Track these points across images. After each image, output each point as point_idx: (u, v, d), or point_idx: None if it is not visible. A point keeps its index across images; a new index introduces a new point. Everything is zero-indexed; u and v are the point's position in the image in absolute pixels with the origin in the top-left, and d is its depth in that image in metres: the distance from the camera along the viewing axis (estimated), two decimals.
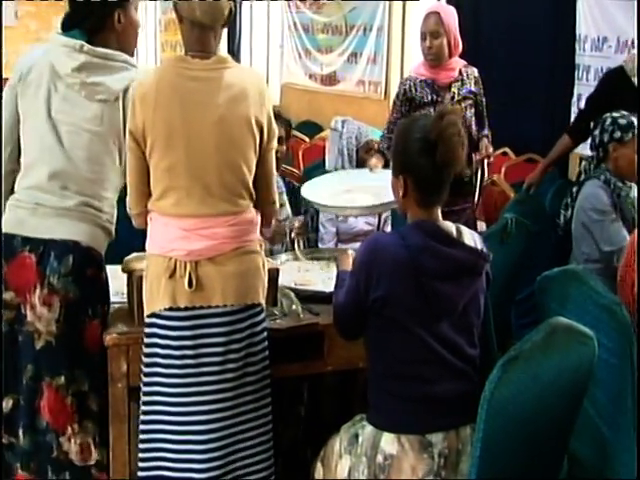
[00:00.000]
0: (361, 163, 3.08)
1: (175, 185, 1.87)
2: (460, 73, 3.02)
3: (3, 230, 2.03)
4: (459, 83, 3.00)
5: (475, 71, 3.10)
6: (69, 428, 2.03)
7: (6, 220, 2.05)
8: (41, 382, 2.01)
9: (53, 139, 2.01)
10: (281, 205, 2.78)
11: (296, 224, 2.62)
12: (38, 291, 1.98)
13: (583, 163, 2.88)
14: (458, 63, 3.02)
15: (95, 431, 2.06)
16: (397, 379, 1.73)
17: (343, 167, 3.10)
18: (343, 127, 3.14)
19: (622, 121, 2.74)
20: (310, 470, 1.94)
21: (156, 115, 1.84)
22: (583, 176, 2.86)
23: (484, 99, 3.13)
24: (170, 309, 1.88)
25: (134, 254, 2.11)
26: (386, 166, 2.82)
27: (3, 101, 2.07)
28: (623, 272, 2.14)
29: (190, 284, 1.86)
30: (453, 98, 2.97)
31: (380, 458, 1.71)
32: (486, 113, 3.16)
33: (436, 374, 1.71)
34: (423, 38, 2.96)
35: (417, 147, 1.71)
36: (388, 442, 1.71)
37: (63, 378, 2.01)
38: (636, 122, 2.73)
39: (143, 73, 1.97)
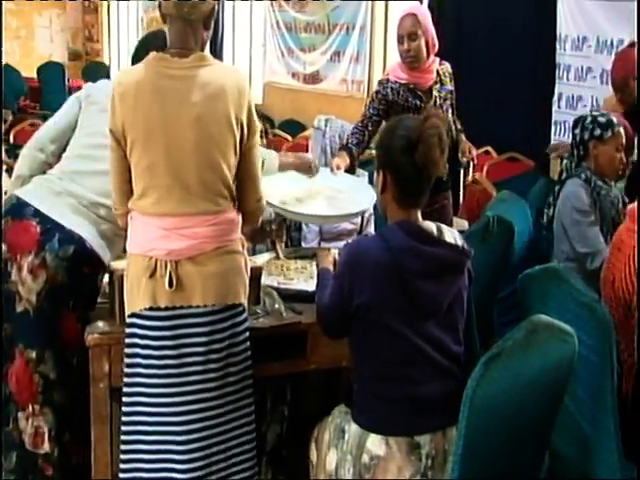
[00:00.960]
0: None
1: (155, 184, 1.86)
2: (437, 74, 3.02)
3: (19, 195, 2.12)
4: (438, 85, 3.01)
5: (448, 67, 3.10)
6: (30, 407, 2.06)
7: (27, 189, 2.14)
8: (15, 347, 2.06)
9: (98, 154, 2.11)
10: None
11: (274, 226, 2.61)
12: (31, 257, 2.03)
13: (564, 162, 2.90)
14: (435, 63, 3.02)
15: (53, 424, 2.08)
16: (384, 381, 1.73)
17: (326, 166, 3.09)
18: (327, 126, 3.13)
19: (602, 119, 2.77)
20: (294, 466, 1.93)
21: (136, 114, 1.83)
22: (564, 174, 2.89)
23: (454, 93, 3.15)
24: (150, 309, 1.87)
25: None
26: (352, 167, 2.80)
27: (66, 106, 2.29)
28: (605, 269, 2.16)
29: (170, 284, 1.85)
30: (435, 103, 2.98)
31: (366, 458, 1.71)
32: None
33: (423, 375, 1.72)
34: (400, 41, 2.95)
35: (399, 145, 1.72)
36: (375, 443, 1.71)
37: (34, 353, 2.05)
38: (615, 120, 2.77)
39: (122, 72, 1.96)
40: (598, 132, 2.75)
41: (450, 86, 3.06)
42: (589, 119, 2.79)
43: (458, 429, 1.53)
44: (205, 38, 1.91)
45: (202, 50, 1.91)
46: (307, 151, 4.93)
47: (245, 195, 1.96)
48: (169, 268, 1.85)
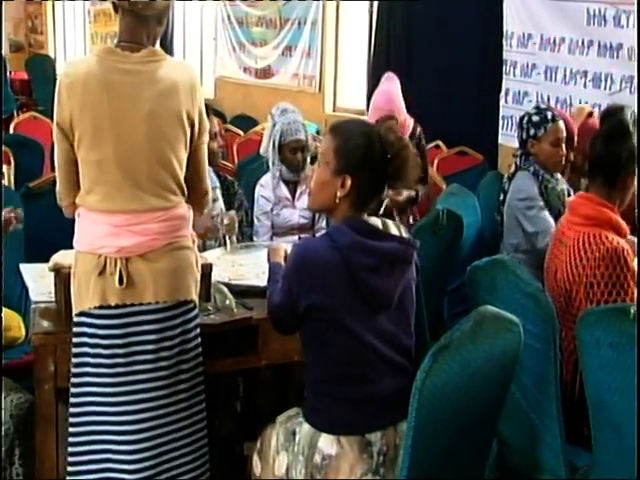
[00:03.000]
0: (285, 161, 2.98)
1: (104, 180, 1.83)
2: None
3: None
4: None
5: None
6: None
7: None
8: None
9: None
10: (214, 200, 2.75)
11: (225, 221, 2.60)
12: None
13: (515, 159, 2.97)
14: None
15: None
16: (337, 382, 1.73)
17: (272, 160, 3.04)
18: (281, 116, 2.98)
19: (535, 118, 2.85)
20: (247, 464, 1.93)
21: (84, 107, 1.80)
22: (513, 169, 2.96)
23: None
24: (100, 307, 1.84)
25: (61, 251, 2.06)
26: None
27: None
28: (548, 260, 2.22)
29: (121, 281, 1.83)
30: None
31: (318, 458, 1.71)
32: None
33: (376, 373, 1.72)
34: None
35: (374, 156, 1.72)
36: (327, 443, 1.71)
37: None
38: (549, 116, 2.84)
39: (70, 63, 1.92)
40: (532, 131, 2.85)
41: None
42: (525, 118, 2.89)
43: (408, 420, 1.55)
44: (157, 33, 1.89)
45: (153, 45, 1.88)
46: (259, 146, 4.92)
47: (192, 190, 1.95)
48: (119, 265, 1.83)
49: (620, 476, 1.70)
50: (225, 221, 2.59)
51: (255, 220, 3.05)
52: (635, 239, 2.41)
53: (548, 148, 2.83)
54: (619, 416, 1.68)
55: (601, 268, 1.95)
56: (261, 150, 3.04)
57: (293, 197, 3.05)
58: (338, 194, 1.73)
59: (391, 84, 3.31)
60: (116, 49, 1.84)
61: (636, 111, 2.91)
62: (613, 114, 2.09)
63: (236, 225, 2.64)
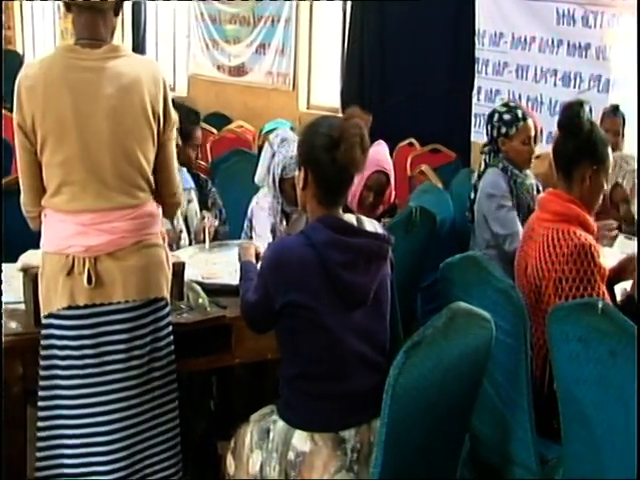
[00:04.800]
0: (285, 194, 2.73)
1: (70, 180, 1.80)
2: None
3: None
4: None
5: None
6: None
7: None
8: None
9: None
10: (189, 201, 2.73)
11: (206, 224, 2.59)
12: None
13: (484, 155, 3.00)
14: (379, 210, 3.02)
15: None
16: (312, 378, 1.73)
17: (273, 193, 2.85)
18: (280, 147, 2.74)
19: (506, 116, 2.89)
20: (221, 463, 1.92)
21: (46, 108, 1.77)
22: (483, 166, 2.99)
23: None
24: (69, 308, 1.82)
25: (30, 251, 2.02)
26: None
27: None
28: (518, 257, 2.24)
29: (89, 281, 1.81)
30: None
31: (291, 455, 1.71)
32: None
33: (351, 370, 1.73)
34: (367, 189, 2.92)
35: (321, 142, 1.71)
36: (300, 440, 1.71)
37: None
38: (520, 115, 2.88)
39: (29, 65, 1.88)
40: (504, 130, 2.89)
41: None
42: (496, 117, 2.92)
43: (381, 417, 1.55)
44: (115, 24, 1.86)
45: (112, 36, 1.86)
46: (232, 144, 4.87)
47: (161, 188, 1.93)
48: (87, 265, 1.81)
49: (589, 467, 1.73)
50: (207, 223, 2.59)
51: (257, 237, 2.90)
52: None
53: (519, 146, 2.88)
54: (588, 409, 1.71)
55: (569, 264, 1.98)
56: (256, 179, 2.90)
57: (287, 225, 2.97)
58: (300, 186, 1.77)
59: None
60: (76, 47, 1.81)
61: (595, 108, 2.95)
62: (570, 109, 2.12)
63: (213, 229, 2.64)
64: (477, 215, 2.93)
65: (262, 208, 2.79)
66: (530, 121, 2.91)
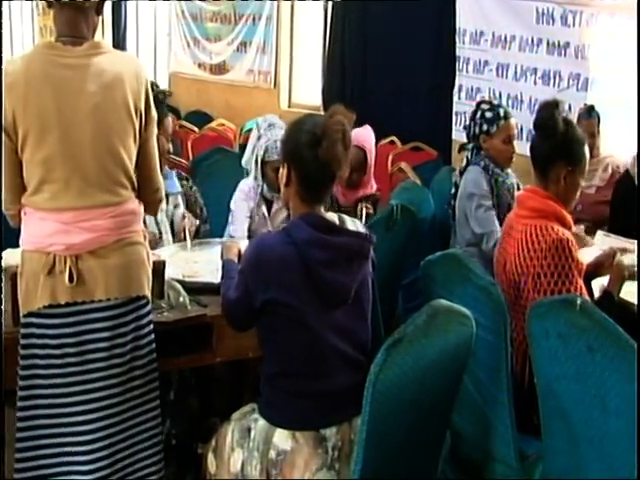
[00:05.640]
0: (266, 178, 2.79)
1: (52, 178, 1.79)
2: (355, 204, 2.99)
3: None
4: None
5: (371, 209, 3.05)
6: None
7: None
8: None
9: None
10: (175, 206, 2.71)
11: (187, 223, 2.58)
12: None
13: (465, 153, 3.02)
14: (361, 192, 3.01)
15: None
16: (293, 377, 1.73)
17: (254, 175, 2.93)
18: (267, 130, 2.80)
19: (488, 114, 2.91)
20: (202, 462, 1.91)
21: (27, 105, 1.75)
22: (465, 163, 3.00)
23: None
24: (50, 307, 1.80)
25: (9, 250, 2.00)
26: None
27: None
28: (497, 254, 2.26)
29: (71, 279, 1.80)
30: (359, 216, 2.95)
31: (273, 454, 1.71)
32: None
33: (332, 368, 1.73)
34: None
35: (304, 139, 1.71)
36: (282, 438, 1.71)
37: None
38: (502, 113, 2.90)
39: (9, 61, 1.86)
40: (485, 127, 2.91)
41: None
42: (478, 114, 2.93)
43: (362, 414, 1.55)
44: (97, 23, 1.85)
45: (93, 35, 1.85)
46: (213, 143, 4.85)
47: (142, 185, 1.92)
48: (69, 263, 1.80)
49: (568, 461, 1.74)
50: (187, 223, 2.58)
51: (232, 217, 2.92)
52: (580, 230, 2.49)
53: (500, 145, 2.90)
54: (567, 404, 1.72)
55: (547, 259, 1.99)
56: (242, 161, 2.93)
57: (269, 213, 2.97)
58: (283, 182, 1.76)
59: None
60: (57, 44, 1.79)
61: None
62: (545, 110, 2.14)
63: (194, 228, 2.63)
64: (458, 213, 2.95)
65: (241, 190, 2.85)
66: (512, 120, 2.93)
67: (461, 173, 2.99)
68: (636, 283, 2.16)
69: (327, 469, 1.70)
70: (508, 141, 2.90)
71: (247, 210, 2.84)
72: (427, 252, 2.22)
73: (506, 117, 2.90)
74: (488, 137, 2.91)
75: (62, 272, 1.80)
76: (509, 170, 2.98)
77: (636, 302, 2.19)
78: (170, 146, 2.62)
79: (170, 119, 2.67)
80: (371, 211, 3.00)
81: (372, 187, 3.08)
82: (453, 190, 3.02)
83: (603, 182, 3.55)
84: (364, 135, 3.03)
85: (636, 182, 3.20)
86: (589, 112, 3.53)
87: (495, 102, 3.08)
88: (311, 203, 1.76)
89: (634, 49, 3.70)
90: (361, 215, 2.92)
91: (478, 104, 3.01)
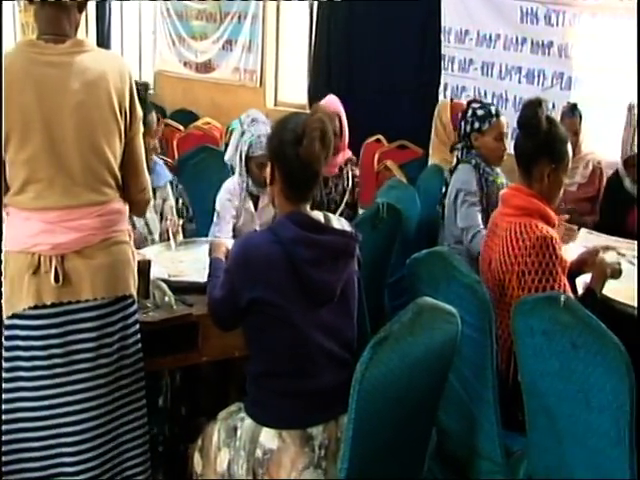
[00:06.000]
0: (251, 174, 2.78)
1: (36, 177, 1.77)
2: (340, 170, 3.00)
3: None
4: (336, 180, 3.00)
5: (356, 171, 3.09)
6: None
7: None
8: None
9: None
10: (164, 200, 2.70)
11: (169, 216, 2.57)
12: None
13: (456, 152, 3.03)
14: (341, 157, 3.00)
15: None
16: (279, 375, 1.74)
17: (239, 171, 2.92)
18: (250, 126, 2.80)
19: (480, 112, 2.92)
20: (188, 461, 1.91)
21: (9, 105, 1.74)
22: (455, 162, 3.01)
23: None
24: (35, 307, 1.79)
25: None
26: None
27: None
28: (482, 252, 2.28)
29: (57, 279, 1.79)
30: (329, 194, 2.97)
31: (259, 453, 1.71)
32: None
33: (318, 366, 1.73)
34: None
35: (287, 137, 1.72)
36: (268, 437, 1.71)
37: None
38: (494, 111, 2.92)
39: None
40: (477, 125, 2.92)
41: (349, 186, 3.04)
42: (470, 112, 2.95)
43: (348, 412, 1.56)
44: (79, 21, 1.84)
45: (75, 33, 1.83)
46: (199, 141, 4.83)
47: (128, 185, 1.91)
48: (54, 263, 1.79)
49: (552, 458, 1.76)
50: (169, 216, 2.56)
51: (217, 218, 2.92)
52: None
53: (491, 142, 2.91)
54: (551, 401, 1.74)
55: (532, 256, 2.01)
56: (225, 157, 2.93)
57: (255, 209, 2.97)
58: (268, 181, 1.77)
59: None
60: (39, 41, 1.77)
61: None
62: (528, 108, 2.15)
63: (178, 229, 2.62)
64: (447, 211, 2.96)
65: (226, 190, 2.84)
66: (503, 118, 2.94)
67: (451, 171, 3.01)
68: (616, 282, 2.18)
69: (314, 468, 1.70)
70: (500, 138, 2.91)
71: (232, 210, 2.83)
72: (413, 250, 2.23)
73: (497, 115, 2.92)
74: (480, 135, 2.91)
75: (47, 272, 1.79)
76: (498, 169, 3.00)
77: (617, 299, 2.21)
78: (156, 142, 2.61)
79: (154, 115, 2.65)
80: (357, 172, 3.02)
81: (348, 151, 3.08)
82: (444, 189, 3.03)
83: (584, 179, 3.58)
84: (332, 102, 3.04)
85: (627, 183, 3.24)
86: (572, 110, 3.55)
87: (485, 100, 3.09)
88: (296, 201, 1.76)
89: (616, 48, 3.74)
90: (347, 177, 2.94)
91: (469, 103, 3.03)
